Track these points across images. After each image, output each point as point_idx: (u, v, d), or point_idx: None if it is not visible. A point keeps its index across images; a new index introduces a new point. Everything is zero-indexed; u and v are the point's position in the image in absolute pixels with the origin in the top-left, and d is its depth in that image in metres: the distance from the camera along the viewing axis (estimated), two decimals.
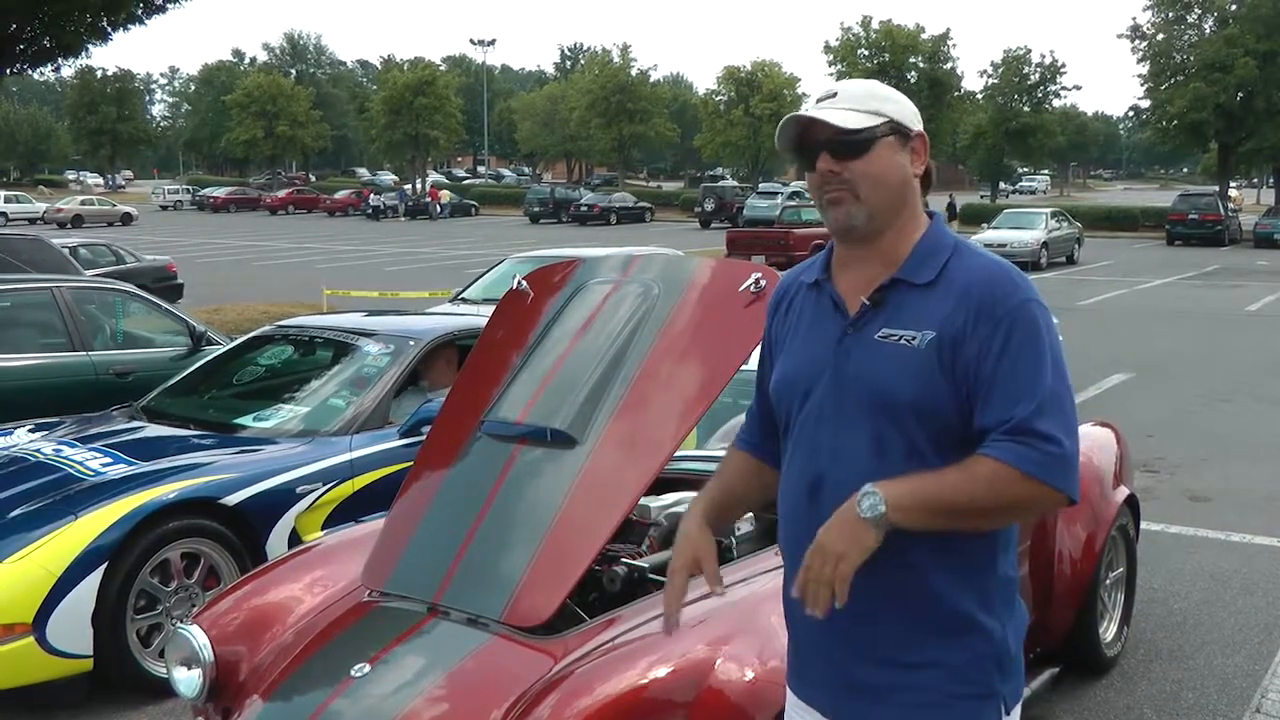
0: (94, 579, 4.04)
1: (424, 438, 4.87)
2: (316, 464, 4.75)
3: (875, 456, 1.82)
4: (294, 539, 4.58)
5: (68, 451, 4.76)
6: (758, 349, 2.21)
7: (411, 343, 5.35)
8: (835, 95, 1.89)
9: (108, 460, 4.62)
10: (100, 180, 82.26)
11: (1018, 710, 1.93)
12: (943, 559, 1.82)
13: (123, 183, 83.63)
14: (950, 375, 1.79)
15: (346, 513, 4.72)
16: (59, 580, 3.96)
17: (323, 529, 4.65)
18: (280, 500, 4.60)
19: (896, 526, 1.73)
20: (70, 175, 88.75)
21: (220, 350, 6.37)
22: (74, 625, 4.01)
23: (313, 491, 4.69)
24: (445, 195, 56.18)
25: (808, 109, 1.89)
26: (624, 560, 3.27)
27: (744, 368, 2.94)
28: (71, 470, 4.53)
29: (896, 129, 1.88)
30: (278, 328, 6.14)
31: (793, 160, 1.93)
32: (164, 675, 4.16)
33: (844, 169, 1.85)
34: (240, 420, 5.24)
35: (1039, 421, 1.73)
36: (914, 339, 1.81)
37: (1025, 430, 1.72)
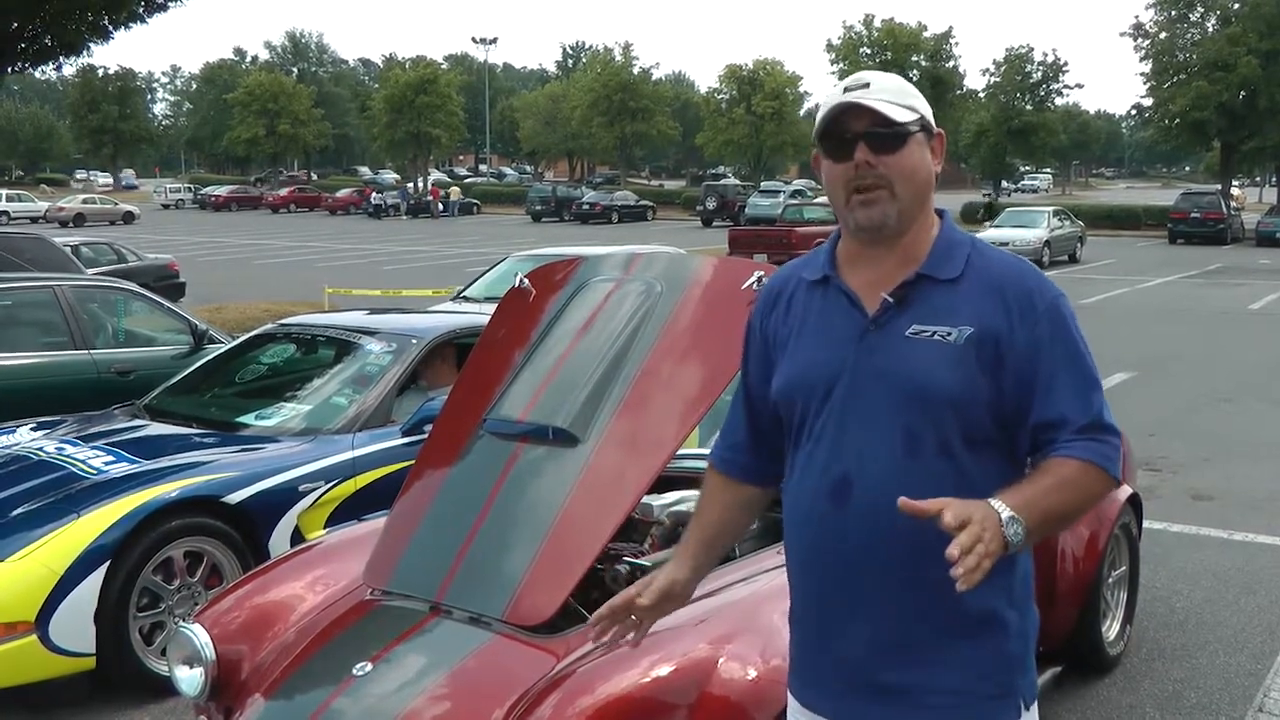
0: (96, 577, 4.04)
1: (426, 436, 4.89)
2: (319, 462, 4.74)
3: (907, 455, 1.79)
4: (296, 537, 4.58)
5: (70, 450, 4.76)
6: None
7: (414, 341, 5.34)
8: (869, 85, 1.84)
9: (110, 459, 4.62)
10: (111, 180, 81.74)
11: (1035, 707, 1.90)
12: None
13: (136, 183, 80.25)
14: (991, 372, 1.78)
15: (349, 511, 4.72)
16: (61, 579, 3.96)
17: (325, 527, 4.64)
18: (282, 499, 4.60)
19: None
20: (81, 175, 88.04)
21: (222, 349, 6.38)
22: (76, 623, 4.00)
23: (315, 490, 4.68)
24: (455, 192, 56.24)
25: (845, 96, 1.84)
26: (626, 559, 3.27)
27: None
28: (74, 469, 4.52)
29: (925, 126, 1.86)
30: (280, 326, 6.14)
31: (823, 147, 1.87)
32: (166, 674, 4.17)
33: (879, 162, 1.81)
34: (242, 419, 5.23)
35: (1107, 415, 1.79)
36: (950, 334, 1.79)
37: (1099, 426, 1.77)
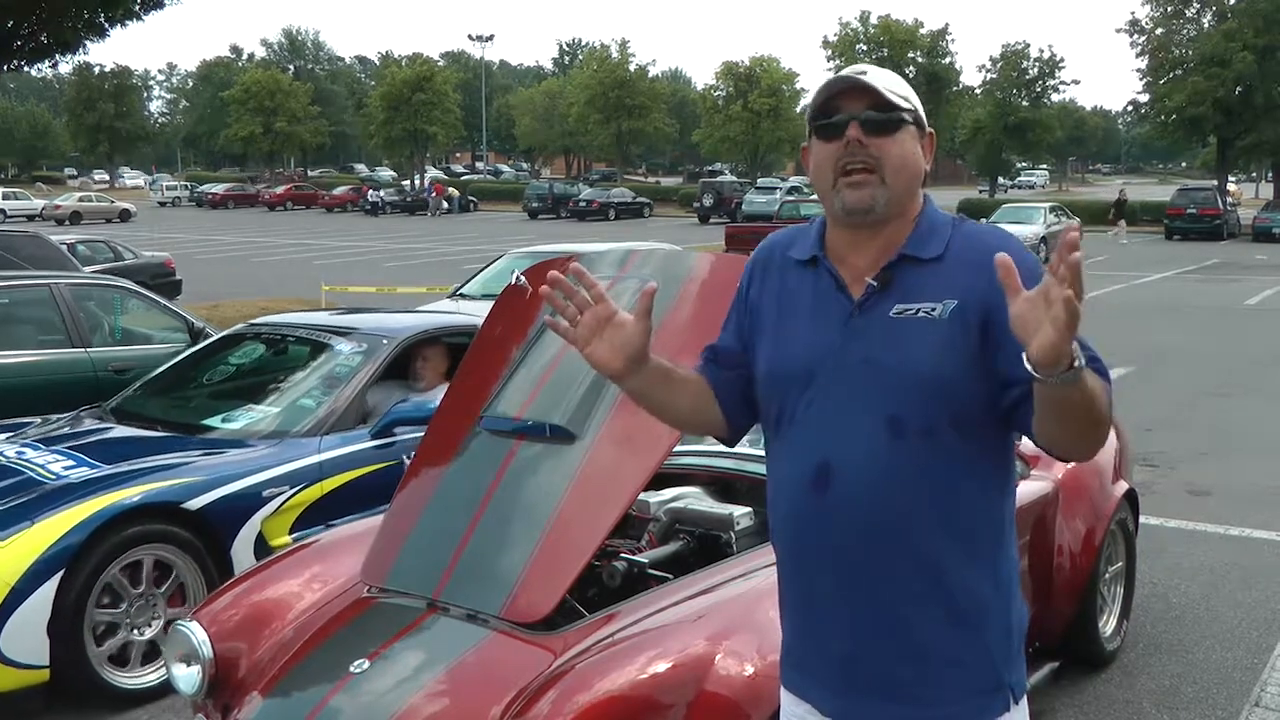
0: (49, 587, 3.88)
1: (394, 440, 4.82)
2: (284, 466, 4.58)
3: (890, 438, 1.77)
4: (260, 544, 4.44)
5: (30, 454, 4.59)
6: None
7: (385, 341, 5.19)
8: (866, 74, 1.85)
9: (70, 463, 4.46)
10: (143, 180, 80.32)
11: (1025, 702, 1.89)
12: (958, 540, 1.79)
13: (173, 182, 72.86)
14: (979, 343, 1.74)
15: (315, 516, 4.57)
16: (12, 590, 3.81)
17: (290, 533, 4.52)
18: (245, 504, 4.44)
19: (1067, 386, 1.53)
20: (98, 175, 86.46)
21: (192, 350, 6.19)
22: (28, 635, 3.85)
23: (280, 495, 4.53)
24: (454, 192, 56.29)
25: (843, 76, 1.85)
26: (623, 555, 3.27)
27: None
28: (33, 474, 4.36)
29: (917, 120, 1.87)
30: (249, 326, 5.99)
31: (817, 128, 1.86)
32: (122, 684, 4.13)
33: (871, 144, 1.81)
34: (209, 421, 5.06)
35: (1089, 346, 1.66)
36: (934, 310, 1.77)
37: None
